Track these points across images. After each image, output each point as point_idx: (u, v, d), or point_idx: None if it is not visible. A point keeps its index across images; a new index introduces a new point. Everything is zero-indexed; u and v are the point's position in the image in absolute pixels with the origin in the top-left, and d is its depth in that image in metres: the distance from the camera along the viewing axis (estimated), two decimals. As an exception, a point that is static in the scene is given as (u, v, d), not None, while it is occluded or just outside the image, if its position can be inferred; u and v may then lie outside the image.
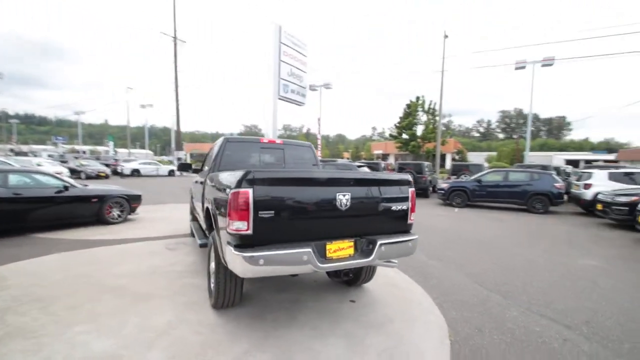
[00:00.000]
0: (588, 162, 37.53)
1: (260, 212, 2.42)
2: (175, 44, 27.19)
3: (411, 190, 3.16)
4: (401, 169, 16.65)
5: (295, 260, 2.48)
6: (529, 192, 10.93)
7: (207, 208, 3.36)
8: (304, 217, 2.64)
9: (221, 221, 2.75)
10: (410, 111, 33.57)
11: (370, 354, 2.60)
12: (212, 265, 3.26)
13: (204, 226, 3.99)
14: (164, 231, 6.72)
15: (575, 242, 6.77)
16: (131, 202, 7.78)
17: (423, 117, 33.55)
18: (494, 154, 53.06)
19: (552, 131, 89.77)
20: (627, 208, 7.72)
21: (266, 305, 3.39)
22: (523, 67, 18.15)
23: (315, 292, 3.79)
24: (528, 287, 4.16)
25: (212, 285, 3.36)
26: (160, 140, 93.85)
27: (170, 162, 32.75)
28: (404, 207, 3.09)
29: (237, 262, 2.39)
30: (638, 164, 29.15)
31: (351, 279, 3.88)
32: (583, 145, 73.88)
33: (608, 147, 68.17)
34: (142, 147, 72.95)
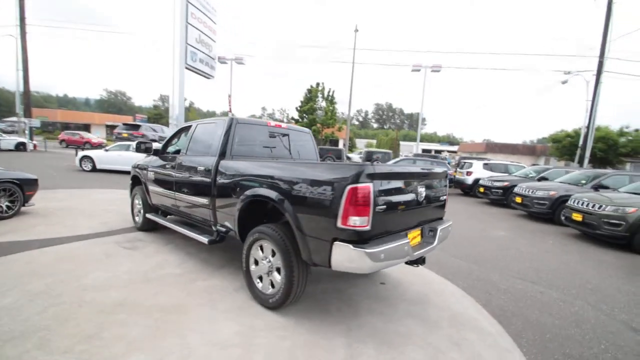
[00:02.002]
0: (438, 151, 48.06)
1: (377, 206, 2.40)
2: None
3: (447, 181, 3.61)
4: (321, 155, 17.34)
5: (401, 252, 2.58)
6: (429, 177, 13.28)
7: (254, 201, 3.00)
8: (401, 210, 2.74)
9: (314, 215, 2.56)
10: (311, 96, 34.73)
11: (444, 326, 2.96)
12: (265, 262, 2.98)
13: (228, 223, 3.48)
14: (92, 227, 5.34)
15: (479, 218, 8.78)
16: (25, 190, 5.81)
17: (322, 103, 35.26)
18: (373, 141, 60.47)
19: (413, 124, 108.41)
20: (501, 190, 10.45)
21: (313, 299, 3.31)
22: (418, 70, 21.46)
23: (342, 279, 3.87)
24: (484, 256, 5.31)
25: (258, 284, 3.08)
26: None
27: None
28: (445, 197, 3.53)
29: (356, 259, 2.33)
30: (472, 154, 39.05)
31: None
32: (433, 138, 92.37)
33: (449, 140, 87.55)
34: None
